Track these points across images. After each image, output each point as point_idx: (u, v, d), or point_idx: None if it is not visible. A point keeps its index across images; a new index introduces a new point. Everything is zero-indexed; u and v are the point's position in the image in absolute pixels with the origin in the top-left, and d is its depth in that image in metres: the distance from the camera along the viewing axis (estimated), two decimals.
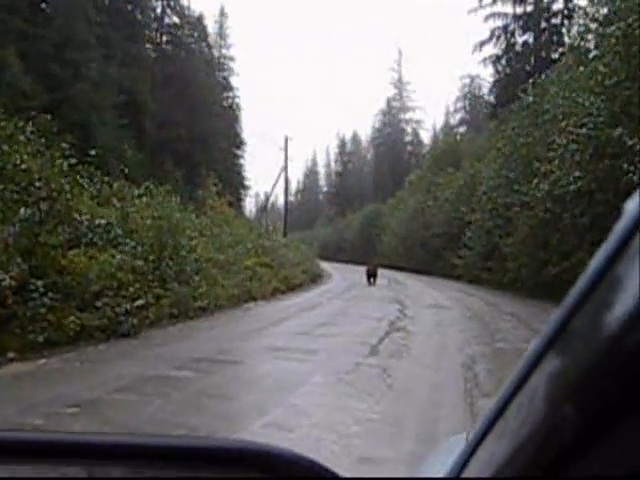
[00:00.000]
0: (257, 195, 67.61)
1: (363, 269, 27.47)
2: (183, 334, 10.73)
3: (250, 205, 65.55)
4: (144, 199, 14.53)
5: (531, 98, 23.12)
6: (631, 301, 0.31)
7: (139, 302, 10.56)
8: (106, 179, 13.99)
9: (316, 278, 28.45)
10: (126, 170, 14.27)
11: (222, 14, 48.17)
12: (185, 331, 11.14)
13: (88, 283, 9.97)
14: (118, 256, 11.38)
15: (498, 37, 35.64)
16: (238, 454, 0.73)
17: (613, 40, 15.41)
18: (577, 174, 15.88)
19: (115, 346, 9.19)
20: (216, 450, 0.76)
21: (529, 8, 34.03)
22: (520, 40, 34.93)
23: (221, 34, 47.74)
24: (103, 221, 10.80)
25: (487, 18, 35.56)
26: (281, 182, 45.77)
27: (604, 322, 0.33)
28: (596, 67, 16.05)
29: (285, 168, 44.36)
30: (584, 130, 15.66)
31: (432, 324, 11.85)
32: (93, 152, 10.97)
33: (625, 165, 12.65)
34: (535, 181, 18.71)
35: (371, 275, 25.57)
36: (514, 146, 23.03)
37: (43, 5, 25.44)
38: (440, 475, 0.65)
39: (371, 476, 3.68)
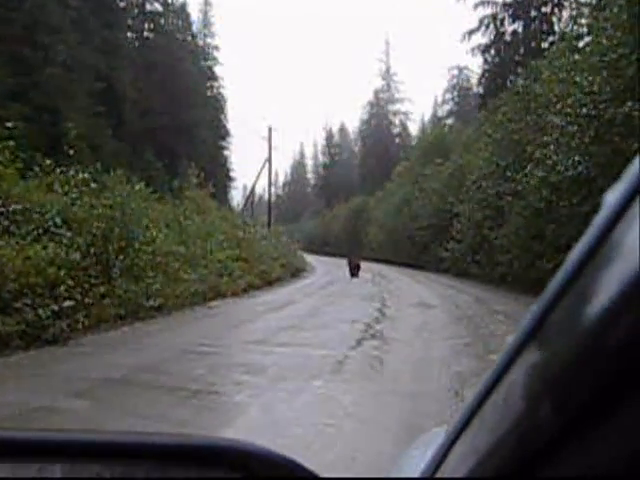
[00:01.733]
0: (245, 188, 66.46)
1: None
2: (122, 340, 9.13)
3: (238, 197, 64.22)
4: (93, 185, 12.83)
5: (521, 84, 21.75)
6: (610, 295, 0.31)
7: (68, 303, 8.94)
8: (48, 162, 12.30)
9: (297, 272, 27.12)
10: (69, 151, 12.52)
11: (206, 2, 47.00)
12: (127, 336, 9.54)
13: (3, 280, 8.36)
14: (51, 248, 9.79)
15: (487, 26, 34.71)
16: (215, 452, 0.73)
17: (616, 10, 13.95)
18: (576, 158, 14.47)
19: (30, 357, 7.59)
20: (194, 448, 0.74)
21: None
22: (509, 29, 34.06)
23: (205, 23, 46.65)
24: (19, 207, 9.12)
25: (476, 6, 34.65)
26: (266, 173, 44.12)
27: (583, 316, 0.33)
28: (598, 41, 14.58)
29: (269, 159, 42.69)
30: (584, 110, 14.22)
31: (414, 328, 10.27)
32: (10, 125, 9.30)
33: (635, 145, 11.15)
34: (529, 167, 17.31)
35: (354, 268, 25.24)
36: (505, 132, 21.64)
37: None
38: (417, 471, 0.64)
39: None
